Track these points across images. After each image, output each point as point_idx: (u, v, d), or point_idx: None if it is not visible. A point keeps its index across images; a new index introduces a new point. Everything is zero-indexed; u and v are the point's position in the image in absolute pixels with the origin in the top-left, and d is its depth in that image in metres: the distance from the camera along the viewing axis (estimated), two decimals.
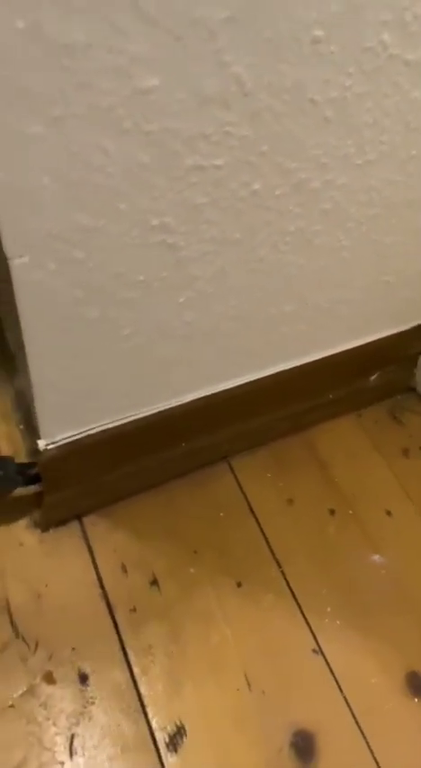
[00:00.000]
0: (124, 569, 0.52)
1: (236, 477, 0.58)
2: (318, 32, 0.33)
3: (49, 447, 0.47)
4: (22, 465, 0.50)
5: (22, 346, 0.41)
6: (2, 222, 0.33)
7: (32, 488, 0.51)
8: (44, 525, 0.53)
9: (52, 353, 0.41)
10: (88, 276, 0.38)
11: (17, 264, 0.35)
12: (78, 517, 0.54)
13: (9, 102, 0.28)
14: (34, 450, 0.55)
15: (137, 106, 0.31)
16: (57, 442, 0.48)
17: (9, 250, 0.34)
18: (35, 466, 0.49)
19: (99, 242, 0.36)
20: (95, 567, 0.52)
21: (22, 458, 0.57)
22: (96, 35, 0.28)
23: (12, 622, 0.49)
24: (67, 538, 0.53)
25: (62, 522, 0.53)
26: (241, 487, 0.58)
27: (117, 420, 0.49)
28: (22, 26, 0.26)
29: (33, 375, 0.42)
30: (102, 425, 0.49)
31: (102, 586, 0.51)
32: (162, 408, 0.51)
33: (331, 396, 0.60)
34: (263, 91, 0.34)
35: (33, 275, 0.36)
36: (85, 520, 0.54)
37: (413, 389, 0.66)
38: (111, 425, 0.49)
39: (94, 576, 0.51)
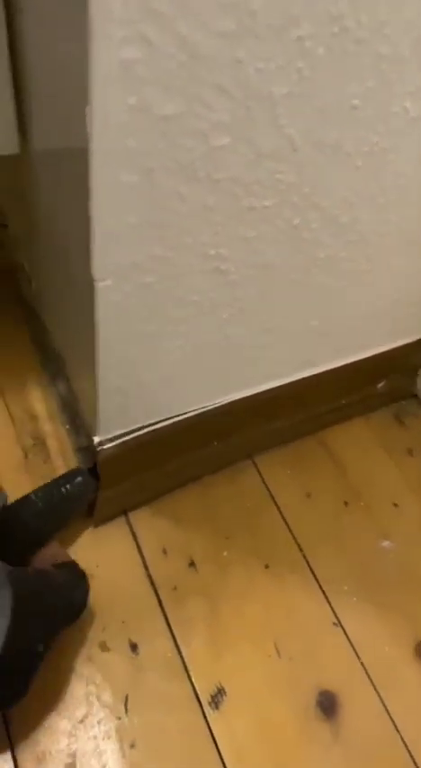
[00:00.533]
0: (165, 553, 0.59)
1: (259, 472, 0.65)
2: (356, 102, 0.40)
3: (107, 447, 0.53)
4: (90, 470, 0.56)
5: (91, 357, 0.47)
6: (94, 251, 0.40)
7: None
8: (98, 521, 0.59)
9: (118, 362, 0.48)
10: (154, 297, 0.45)
11: (101, 287, 0.42)
12: (124, 511, 0.60)
13: (116, 157, 0.35)
14: (82, 450, 0.61)
15: (210, 160, 0.38)
16: (112, 441, 0.54)
17: (96, 274, 0.41)
18: (95, 467, 0.55)
19: (166, 269, 0.43)
20: (140, 552, 0.58)
21: (70, 456, 0.63)
22: (187, 107, 0.35)
23: None
24: (114, 527, 0.59)
25: (113, 516, 0.59)
26: (265, 482, 0.65)
27: (162, 421, 0.56)
28: (133, 102, 0.33)
29: (101, 380, 0.49)
30: (149, 426, 0.55)
31: (146, 568, 0.57)
32: (199, 411, 0.58)
33: (344, 401, 0.67)
34: (309, 147, 0.41)
35: (112, 296, 0.43)
36: (130, 512, 0.60)
37: (415, 396, 0.73)
38: (157, 426, 0.56)
39: (139, 559, 0.58)
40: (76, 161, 0.37)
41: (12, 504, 0.53)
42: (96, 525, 0.59)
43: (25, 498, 0.54)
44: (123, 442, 0.54)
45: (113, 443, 0.54)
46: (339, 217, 0.47)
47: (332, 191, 0.45)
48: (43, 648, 0.45)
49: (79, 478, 0.55)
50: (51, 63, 0.38)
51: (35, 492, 0.54)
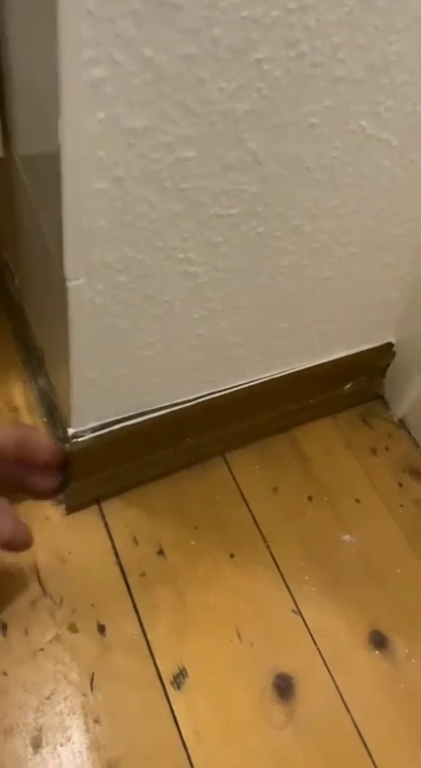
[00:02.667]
0: (135, 541, 0.61)
1: (229, 468, 0.68)
2: (314, 120, 0.43)
3: (80, 439, 0.56)
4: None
5: (66, 351, 0.50)
6: (66, 252, 0.43)
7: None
8: (70, 508, 0.61)
9: (91, 357, 0.51)
10: (126, 295, 0.48)
11: (73, 285, 0.45)
12: (97, 500, 0.63)
13: (86, 166, 0.38)
14: (61, 441, 0.64)
15: (176, 170, 0.41)
16: (85, 434, 0.57)
17: (69, 273, 0.44)
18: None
19: (138, 270, 0.46)
20: (111, 539, 0.61)
21: None
22: (153, 121, 0.38)
23: (40, 582, 0.58)
24: (87, 514, 0.62)
25: (86, 504, 0.62)
26: (234, 477, 0.67)
27: (136, 417, 0.59)
28: (101, 116, 0.36)
29: (74, 374, 0.51)
30: (123, 422, 0.58)
31: (116, 554, 0.60)
32: (174, 409, 0.60)
33: (312, 401, 0.70)
34: (271, 160, 0.44)
35: (85, 294, 0.46)
36: (102, 502, 0.63)
37: (381, 397, 0.76)
38: (131, 422, 0.58)
39: (110, 546, 0.61)
40: (50, 167, 0.39)
41: None
42: (69, 513, 0.61)
43: None
44: (97, 436, 0.57)
45: (87, 437, 0.56)
46: (302, 226, 0.50)
47: (294, 201, 0.48)
48: None
49: None
50: (30, 77, 0.41)
51: None
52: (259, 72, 0.38)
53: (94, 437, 0.57)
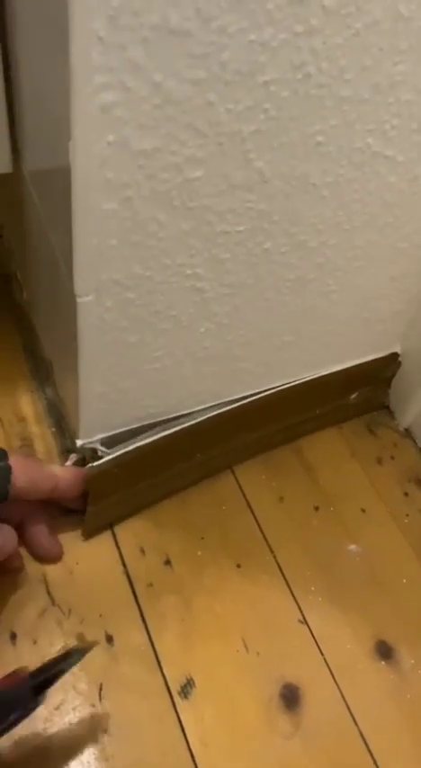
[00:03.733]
0: (142, 551, 0.62)
1: (236, 478, 0.68)
2: (320, 138, 0.44)
3: (96, 464, 0.56)
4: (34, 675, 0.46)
5: (74, 364, 0.51)
6: (75, 270, 0.43)
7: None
8: (87, 534, 0.61)
9: (99, 370, 0.51)
10: (135, 311, 0.48)
11: (83, 301, 0.45)
12: (110, 525, 0.63)
13: (96, 186, 0.39)
14: (66, 451, 0.65)
15: (184, 190, 0.42)
16: (93, 443, 0.58)
17: (78, 290, 0.44)
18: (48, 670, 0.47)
19: (146, 286, 0.47)
20: (118, 549, 0.61)
21: (55, 458, 0.66)
22: (162, 143, 0.39)
23: (48, 592, 0.58)
24: None
25: (102, 528, 0.62)
26: (240, 487, 0.68)
27: (147, 433, 0.59)
28: (111, 139, 0.37)
29: (82, 386, 0.52)
30: (137, 441, 0.58)
31: (124, 565, 0.61)
32: (186, 424, 0.61)
33: (318, 411, 0.70)
34: (277, 179, 0.44)
35: (94, 310, 0.46)
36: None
37: (387, 407, 0.76)
38: (142, 443, 0.58)
39: (118, 557, 0.61)
40: (60, 186, 0.40)
41: None
42: (86, 538, 0.61)
43: None
44: (113, 459, 0.57)
45: (103, 460, 0.56)
46: (308, 242, 0.51)
47: (300, 218, 0.48)
48: None
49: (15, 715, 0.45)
50: (40, 97, 0.41)
51: None
52: (266, 93, 0.39)
53: (110, 460, 0.57)
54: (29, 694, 0.45)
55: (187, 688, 0.55)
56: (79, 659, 0.49)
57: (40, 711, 0.52)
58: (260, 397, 0.63)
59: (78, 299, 0.45)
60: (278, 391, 0.64)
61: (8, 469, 0.51)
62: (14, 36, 0.44)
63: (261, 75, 0.38)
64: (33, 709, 0.46)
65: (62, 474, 0.56)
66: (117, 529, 0.63)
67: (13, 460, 0.51)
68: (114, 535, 0.62)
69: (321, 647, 0.59)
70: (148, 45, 0.34)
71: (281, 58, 0.38)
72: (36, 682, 0.46)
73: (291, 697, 0.56)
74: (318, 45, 0.38)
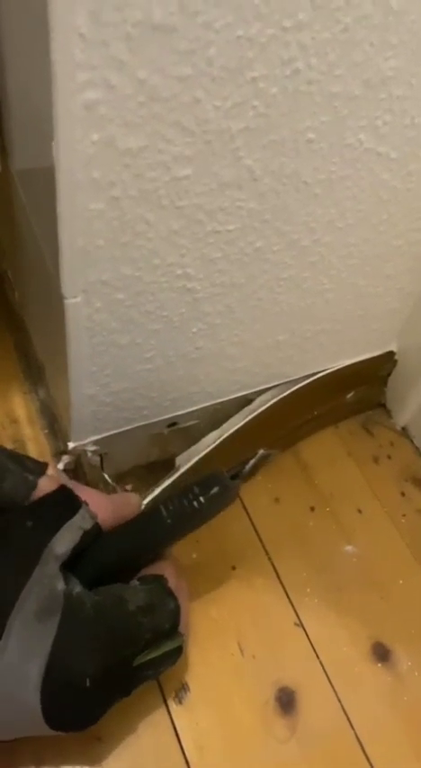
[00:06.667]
0: None
1: None
2: (311, 135, 0.43)
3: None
4: (231, 477, 0.49)
5: (64, 366, 0.50)
6: (63, 271, 0.42)
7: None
8: None
9: (89, 372, 0.51)
10: (124, 312, 0.47)
11: (71, 303, 0.45)
12: None
13: (82, 187, 0.38)
14: (59, 453, 0.64)
15: (173, 189, 0.41)
16: (85, 445, 0.57)
17: (66, 292, 0.44)
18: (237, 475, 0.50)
19: (136, 287, 0.46)
20: None
21: (49, 459, 0.66)
22: (149, 142, 0.38)
23: None
24: None
25: None
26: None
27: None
28: (96, 138, 0.36)
29: (73, 388, 0.51)
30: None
31: None
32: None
33: (315, 411, 0.69)
34: (268, 177, 0.44)
35: (83, 311, 0.45)
36: None
37: (383, 405, 0.76)
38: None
39: None
40: (46, 185, 0.39)
41: (139, 516, 0.48)
42: None
43: (155, 511, 0.47)
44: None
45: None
46: (300, 240, 0.50)
47: (292, 216, 0.47)
48: (93, 684, 0.41)
49: (216, 489, 0.47)
50: (25, 96, 0.41)
51: (165, 504, 0.47)
52: (255, 90, 0.38)
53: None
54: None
55: (181, 693, 0.54)
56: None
57: None
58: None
59: (66, 301, 0.44)
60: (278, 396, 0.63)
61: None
62: None
63: (249, 72, 0.37)
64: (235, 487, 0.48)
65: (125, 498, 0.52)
66: None
67: (95, 502, 0.46)
68: None
69: (317, 650, 0.58)
70: (132, 41, 0.33)
71: (269, 53, 0.37)
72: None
73: (286, 700, 0.55)
74: (307, 40, 0.37)
